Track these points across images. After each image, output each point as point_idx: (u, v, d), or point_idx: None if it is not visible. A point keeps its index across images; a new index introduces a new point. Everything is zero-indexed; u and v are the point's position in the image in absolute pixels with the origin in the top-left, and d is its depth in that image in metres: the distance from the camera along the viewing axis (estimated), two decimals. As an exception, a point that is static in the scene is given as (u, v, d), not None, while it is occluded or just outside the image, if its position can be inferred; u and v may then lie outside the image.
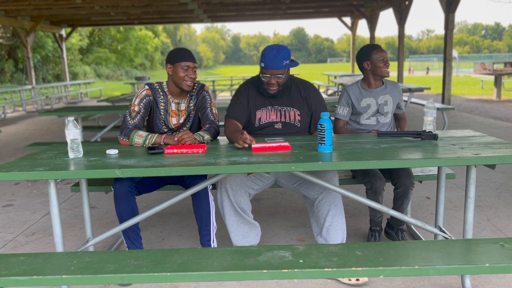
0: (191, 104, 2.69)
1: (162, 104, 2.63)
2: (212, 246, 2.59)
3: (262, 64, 2.50)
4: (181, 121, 2.68)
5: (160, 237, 3.11)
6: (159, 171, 1.95)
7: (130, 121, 2.57)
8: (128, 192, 2.44)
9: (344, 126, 2.94)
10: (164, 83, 2.66)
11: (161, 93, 2.63)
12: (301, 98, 2.66)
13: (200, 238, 2.61)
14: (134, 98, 2.61)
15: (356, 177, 2.78)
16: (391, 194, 3.92)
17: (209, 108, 2.69)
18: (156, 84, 2.65)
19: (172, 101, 2.64)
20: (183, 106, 2.67)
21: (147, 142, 2.48)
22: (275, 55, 2.44)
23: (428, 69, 34.39)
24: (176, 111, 2.65)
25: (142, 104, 2.59)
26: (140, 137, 2.49)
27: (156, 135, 2.49)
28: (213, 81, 16.58)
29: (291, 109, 2.64)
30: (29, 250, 2.96)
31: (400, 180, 2.64)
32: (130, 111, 2.59)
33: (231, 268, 1.68)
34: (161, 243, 3.02)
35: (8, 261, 1.79)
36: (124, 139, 2.53)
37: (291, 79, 2.67)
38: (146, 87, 2.61)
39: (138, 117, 2.58)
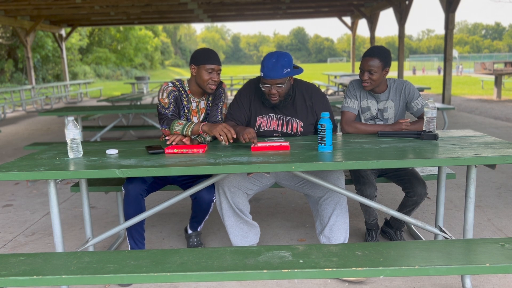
0: (210, 100, 2.69)
1: (185, 102, 2.62)
2: (199, 229, 2.85)
3: (262, 74, 2.40)
4: (201, 118, 2.68)
5: (160, 237, 3.11)
6: (159, 171, 1.94)
7: (166, 111, 2.54)
8: (140, 195, 2.45)
9: (354, 119, 2.70)
10: (185, 82, 2.64)
11: (182, 92, 2.62)
12: (305, 107, 2.57)
13: (190, 224, 2.82)
14: (161, 93, 2.56)
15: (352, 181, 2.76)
16: (391, 194, 3.92)
17: (219, 108, 2.66)
18: (177, 83, 2.62)
19: (193, 100, 2.64)
20: (202, 104, 2.67)
21: (185, 129, 2.43)
22: (274, 64, 2.34)
23: (414, 69, 34.73)
24: (197, 110, 2.65)
25: (171, 96, 2.56)
26: (179, 125, 2.45)
27: (195, 123, 2.44)
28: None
29: (295, 119, 2.57)
30: (29, 250, 2.96)
31: (414, 189, 2.57)
32: (161, 104, 2.55)
33: (231, 268, 1.68)
34: (161, 243, 3.01)
35: (8, 261, 1.79)
36: (166, 129, 2.51)
37: (296, 84, 2.58)
38: (170, 84, 2.59)
39: (171, 107, 2.55)
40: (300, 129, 2.58)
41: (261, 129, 2.59)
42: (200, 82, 2.53)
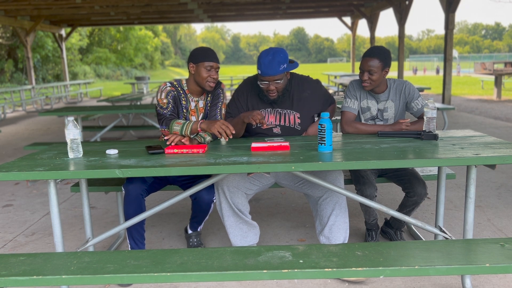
0: (209, 100, 2.69)
1: (184, 102, 2.62)
2: (199, 229, 2.85)
3: (259, 71, 2.43)
4: (200, 118, 2.67)
5: (160, 237, 3.11)
6: (159, 171, 1.94)
7: (165, 111, 2.54)
8: (140, 195, 2.45)
9: (354, 119, 2.69)
10: (184, 81, 2.64)
11: (181, 92, 2.62)
12: (300, 98, 2.61)
13: (190, 224, 2.82)
14: (159, 94, 2.55)
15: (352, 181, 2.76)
16: (391, 194, 3.92)
17: (219, 108, 2.66)
18: (175, 83, 2.63)
19: (192, 99, 2.64)
20: (201, 104, 2.67)
21: (184, 129, 2.43)
22: (270, 61, 2.38)
23: (415, 69, 34.88)
24: (195, 109, 2.65)
25: (169, 96, 2.55)
26: (178, 125, 2.45)
27: (193, 121, 2.44)
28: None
29: (291, 112, 2.60)
30: (29, 250, 2.96)
31: (414, 189, 2.57)
32: (160, 105, 2.54)
33: (231, 268, 1.68)
34: (161, 243, 3.01)
35: (8, 261, 1.79)
36: (165, 129, 2.53)
37: (292, 78, 2.62)
38: (168, 84, 2.59)
39: (170, 107, 2.55)
40: (298, 121, 2.61)
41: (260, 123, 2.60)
42: (199, 80, 2.53)
